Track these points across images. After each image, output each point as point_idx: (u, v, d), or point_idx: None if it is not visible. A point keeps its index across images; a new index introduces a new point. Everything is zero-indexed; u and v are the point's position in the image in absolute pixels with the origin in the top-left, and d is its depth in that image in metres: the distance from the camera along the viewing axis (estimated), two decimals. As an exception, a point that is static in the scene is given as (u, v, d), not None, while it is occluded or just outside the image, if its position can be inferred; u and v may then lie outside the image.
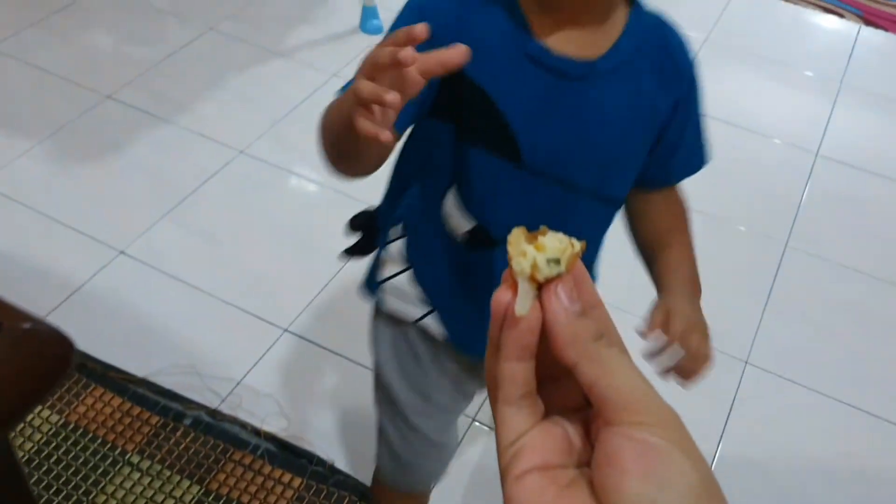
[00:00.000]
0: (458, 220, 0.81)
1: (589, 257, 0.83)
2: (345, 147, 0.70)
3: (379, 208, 0.93)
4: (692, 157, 0.84)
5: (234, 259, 1.62)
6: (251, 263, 1.62)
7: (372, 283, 0.91)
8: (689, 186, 0.89)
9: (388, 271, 0.88)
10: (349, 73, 2.06)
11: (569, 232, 0.77)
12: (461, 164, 0.77)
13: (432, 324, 0.88)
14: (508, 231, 0.73)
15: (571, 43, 0.72)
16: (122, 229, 1.64)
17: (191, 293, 1.55)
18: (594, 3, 0.72)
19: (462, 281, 0.85)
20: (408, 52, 0.55)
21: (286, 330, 1.51)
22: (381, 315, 0.94)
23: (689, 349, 0.79)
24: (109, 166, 1.78)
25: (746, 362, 1.55)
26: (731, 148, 2.03)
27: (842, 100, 2.22)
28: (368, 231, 0.95)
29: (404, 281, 0.88)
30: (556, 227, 0.71)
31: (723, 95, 2.19)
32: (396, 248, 0.88)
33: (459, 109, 0.75)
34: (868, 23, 2.54)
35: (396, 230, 0.87)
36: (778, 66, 2.32)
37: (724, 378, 1.51)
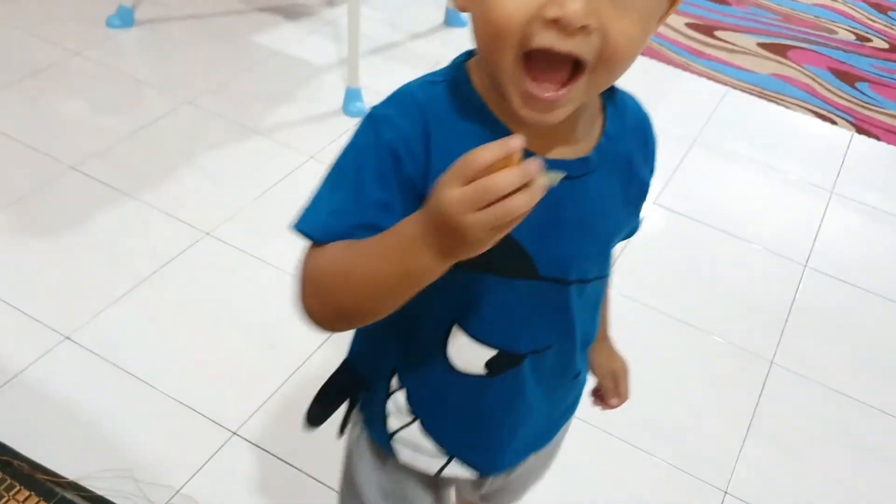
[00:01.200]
0: (472, 354, 0.74)
1: (591, 329, 0.84)
2: (386, 294, 0.63)
3: (356, 358, 0.83)
4: (637, 219, 0.83)
5: (186, 351, 1.52)
6: (204, 357, 1.52)
7: (380, 435, 0.82)
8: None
9: (394, 424, 0.81)
10: (327, 155, 2.01)
11: (585, 317, 0.79)
12: (470, 296, 0.72)
13: (454, 469, 0.82)
14: (534, 343, 0.75)
15: (561, 145, 0.69)
16: (70, 313, 1.54)
17: (136, 386, 1.45)
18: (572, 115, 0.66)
19: (483, 412, 0.79)
20: (534, 166, 0.53)
21: (235, 433, 1.40)
22: (366, 445, 0.85)
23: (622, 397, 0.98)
24: (65, 243, 1.69)
25: (726, 492, 1.45)
26: (716, 254, 1.96)
27: (832, 209, 2.16)
28: (347, 387, 0.84)
29: (415, 432, 0.80)
30: (573, 320, 0.76)
31: (710, 198, 2.14)
32: (397, 399, 0.80)
33: None
34: (860, 130, 2.51)
35: (393, 383, 0.79)
36: (768, 171, 2.27)
37: (703, 509, 1.41)
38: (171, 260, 1.68)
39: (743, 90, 2.61)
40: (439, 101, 0.68)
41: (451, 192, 0.54)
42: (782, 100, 2.60)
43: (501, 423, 0.80)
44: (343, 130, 2.13)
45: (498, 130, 0.66)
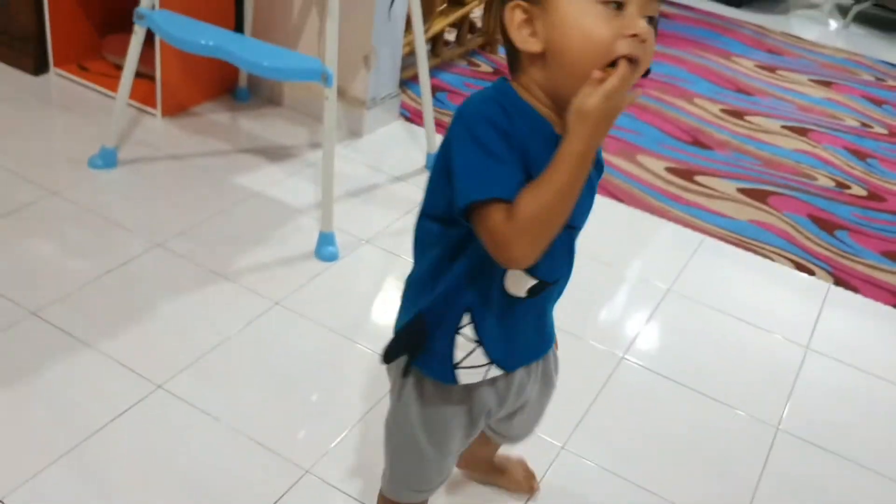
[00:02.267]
0: (521, 282, 1.04)
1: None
2: (577, 196, 0.91)
3: (428, 312, 1.08)
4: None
5: (123, 516, 1.46)
6: (141, 523, 1.46)
7: (442, 368, 1.09)
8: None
9: (459, 354, 1.08)
10: (294, 302, 2.00)
11: (569, 256, 1.11)
12: None
13: (493, 371, 1.12)
14: (558, 273, 1.09)
15: None
16: (6, 473, 1.49)
17: (65, 556, 1.38)
18: None
19: (518, 325, 1.10)
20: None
21: None
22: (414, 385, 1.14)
23: None
24: (11, 395, 1.66)
25: None
26: (692, 418, 1.91)
27: (807, 367, 2.12)
28: (415, 331, 1.09)
29: (477, 355, 1.08)
30: (572, 259, 1.10)
31: (681, 353, 2.10)
32: (466, 332, 1.07)
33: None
34: (838, 282, 2.48)
35: (464, 320, 1.06)
36: (742, 324, 2.24)
37: None
38: (120, 415, 1.64)
39: (721, 237, 2.61)
40: (507, 104, 0.95)
41: (593, 97, 0.88)
42: (760, 247, 2.59)
43: (526, 332, 1.12)
44: (312, 275, 2.12)
45: (546, 127, 0.96)
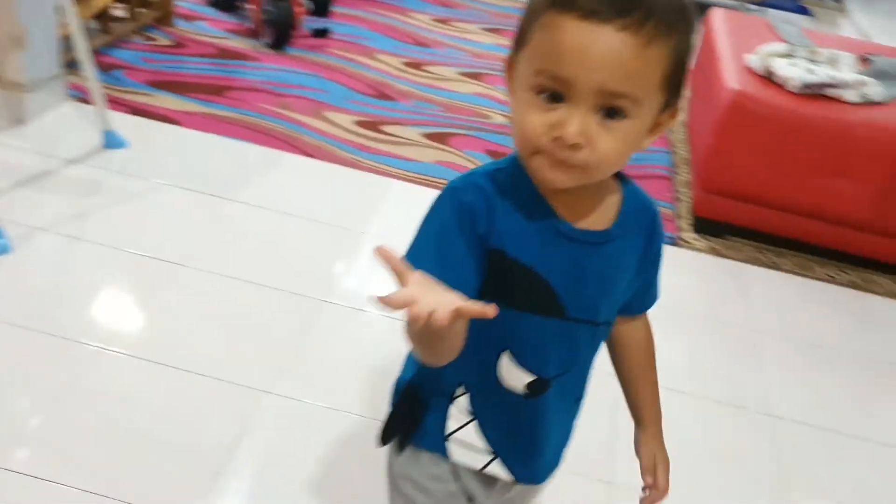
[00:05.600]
0: (516, 377, 0.97)
1: (591, 363, 1.04)
2: (436, 344, 0.84)
3: (417, 384, 1.05)
4: (655, 291, 1.10)
5: None
6: None
7: (435, 439, 1.03)
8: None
9: (452, 425, 1.02)
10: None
11: (592, 353, 1.02)
12: (515, 330, 0.94)
13: (495, 468, 1.04)
14: (559, 368, 0.98)
15: (588, 218, 0.93)
16: None
17: None
18: (592, 186, 0.90)
19: (521, 425, 1.02)
20: (443, 316, 0.71)
21: None
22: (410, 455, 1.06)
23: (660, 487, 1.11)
24: None
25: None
26: (389, 340, 2.02)
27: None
28: (409, 409, 1.06)
29: (469, 431, 1.02)
30: (584, 355, 1.01)
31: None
32: (460, 402, 1.02)
33: (509, 286, 0.91)
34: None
35: (459, 390, 1.01)
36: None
37: None
38: None
39: (408, 179, 2.76)
40: (504, 182, 0.90)
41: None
42: (444, 184, 2.76)
43: (535, 437, 1.03)
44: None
45: (544, 208, 0.91)
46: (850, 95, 2.65)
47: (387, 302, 0.70)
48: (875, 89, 2.68)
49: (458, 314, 0.71)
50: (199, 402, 1.75)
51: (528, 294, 0.92)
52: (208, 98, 3.03)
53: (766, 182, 2.67)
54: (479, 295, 0.88)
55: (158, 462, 1.61)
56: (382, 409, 1.76)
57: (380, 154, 2.89)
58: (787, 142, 2.62)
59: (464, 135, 3.14)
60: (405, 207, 2.59)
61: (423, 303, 0.70)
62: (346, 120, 3.09)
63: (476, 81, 3.65)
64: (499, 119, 3.32)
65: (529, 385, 0.97)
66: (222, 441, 1.66)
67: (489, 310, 0.72)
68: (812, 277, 2.72)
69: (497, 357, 0.96)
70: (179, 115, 2.88)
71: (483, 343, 0.93)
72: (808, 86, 2.62)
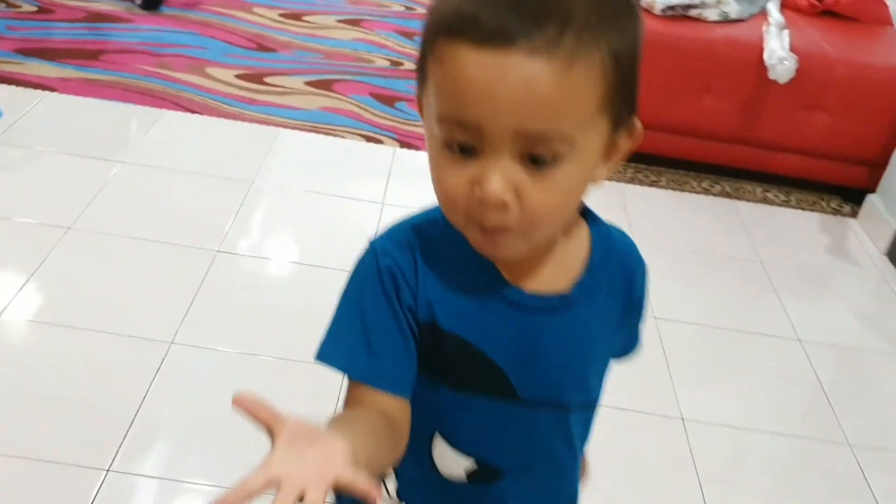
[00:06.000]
0: (453, 462, 0.80)
1: (574, 456, 0.86)
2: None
3: None
4: (635, 340, 0.90)
5: None
6: None
7: None
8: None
9: None
10: None
11: (567, 443, 0.80)
12: (451, 411, 0.78)
13: None
14: (513, 460, 0.77)
15: (541, 278, 0.75)
16: None
17: None
18: (543, 244, 0.73)
19: None
20: (317, 499, 0.53)
21: None
22: None
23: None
24: None
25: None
26: (299, 286, 2.06)
27: (384, 218, 2.38)
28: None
29: None
30: (552, 445, 0.79)
31: (275, 235, 2.24)
32: (388, 485, 0.86)
33: (444, 362, 0.75)
34: (403, 145, 2.78)
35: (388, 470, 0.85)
36: (327, 197, 2.44)
37: None
38: None
39: (295, 128, 2.78)
40: (433, 237, 0.75)
41: None
42: (332, 130, 2.81)
43: None
44: None
45: (485, 268, 0.74)
46: (710, 14, 2.80)
47: (243, 489, 0.54)
48: (733, 7, 2.83)
49: (338, 490, 0.55)
50: (103, 359, 1.77)
51: (469, 373, 0.76)
52: (84, 63, 2.96)
53: (640, 104, 2.80)
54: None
55: (65, 420, 1.62)
56: (292, 349, 1.83)
57: (264, 105, 2.90)
58: (656, 63, 2.74)
59: (347, 80, 3.17)
60: (293, 155, 2.63)
61: (289, 484, 0.53)
62: (227, 75, 3.07)
63: (355, 27, 3.66)
64: (381, 63, 3.36)
65: (471, 474, 0.80)
66: (132, 394, 1.69)
67: (372, 494, 0.55)
68: (689, 191, 2.89)
69: (430, 438, 0.80)
70: (55, 82, 2.81)
71: (413, 419, 0.76)
72: (670, 7, 2.75)
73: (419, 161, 2.73)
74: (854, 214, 2.88)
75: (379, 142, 2.78)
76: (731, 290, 2.41)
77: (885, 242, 2.67)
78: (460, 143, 0.64)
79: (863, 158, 2.86)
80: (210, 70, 3.09)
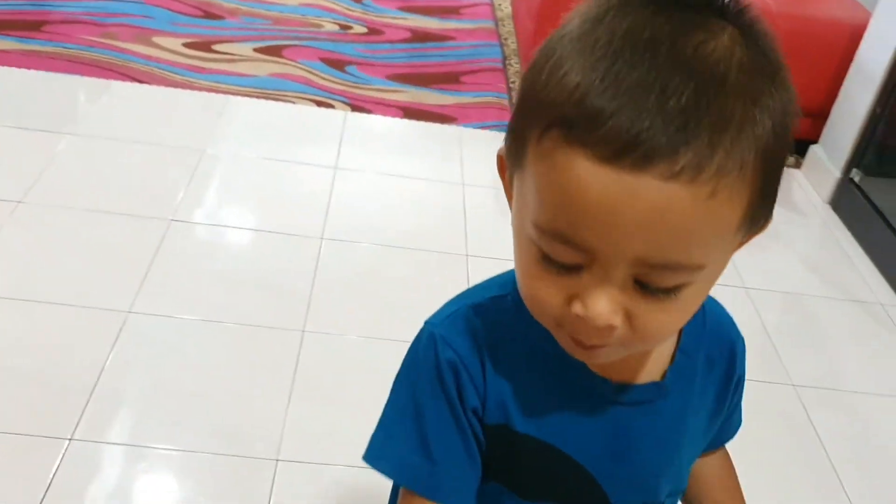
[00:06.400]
0: None
1: None
2: None
3: None
4: (738, 419, 0.80)
5: None
6: None
7: None
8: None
9: None
10: None
11: None
12: None
13: None
14: None
15: (634, 367, 0.65)
16: None
17: None
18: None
19: None
20: None
21: None
22: None
23: None
24: None
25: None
26: (240, 249, 2.08)
27: (338, 183, 2.39)
28: None
29: None
30: None
31: (230, 204, 2.25)
32: None
33: (519, 469, 0.65)
34: (355, 108, 2.79)
35: None
36: (278, 163, 2.44)
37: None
38: None
39: (245, 94, 2.77)
40: (503, 319, 0.64)
41: None
42: (282, 95, 2.80)
43: None
44: None
45: (566, 357, 0.60)
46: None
47: None
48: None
49: None
50: (60, 331, 1.77)
51: (551, 480, 0.66)
52: (24, 34, 2.91)
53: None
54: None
55: (25, 392, 1.62)
56: (251, 315, 1.85)
57: (213, 73, 2.87)
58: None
59: (296, 45, 3.15)
60: (245, 122, 2.63)
61: None
62: (174, 43, 3.04)
63: (303, -8, 3.63)
64: (330, 27, 3.34)
65: None
66: (92, 364, 1.69)
67: None
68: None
69: None
70: (-4, 55, 2.76)
71: None
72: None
73: (371, 124, 2.74)
74: (798, 165, 2.95)
75: (330, 106, 2.78)
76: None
77: (827, 191, 2.75)
78: (563, 263, 0.53)
79: (806, 110, 2.90)
80: (157, 39, 3.05)
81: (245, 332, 1.84)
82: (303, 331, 1.86)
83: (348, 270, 2.07)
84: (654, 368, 0.66)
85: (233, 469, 1.55)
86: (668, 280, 0.52)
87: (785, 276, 2.38)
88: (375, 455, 0.65)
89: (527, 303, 0.58)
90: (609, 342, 0.55)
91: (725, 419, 0.77)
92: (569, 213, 0.50)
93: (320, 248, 2.12)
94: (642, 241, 0.49)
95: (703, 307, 0.67)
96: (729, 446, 0.84)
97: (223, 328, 1.84)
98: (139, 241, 2.04)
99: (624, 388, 0.65)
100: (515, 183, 0.56)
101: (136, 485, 1.50)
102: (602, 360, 0.60)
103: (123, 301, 1.85)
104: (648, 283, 0.52)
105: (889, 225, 2.47)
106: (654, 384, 0.66)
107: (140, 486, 1.50)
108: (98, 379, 1.67)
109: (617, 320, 0.53)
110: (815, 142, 2.90)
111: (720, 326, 0.72)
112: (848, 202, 2.67)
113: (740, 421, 0.80)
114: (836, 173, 2.73)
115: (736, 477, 0.84)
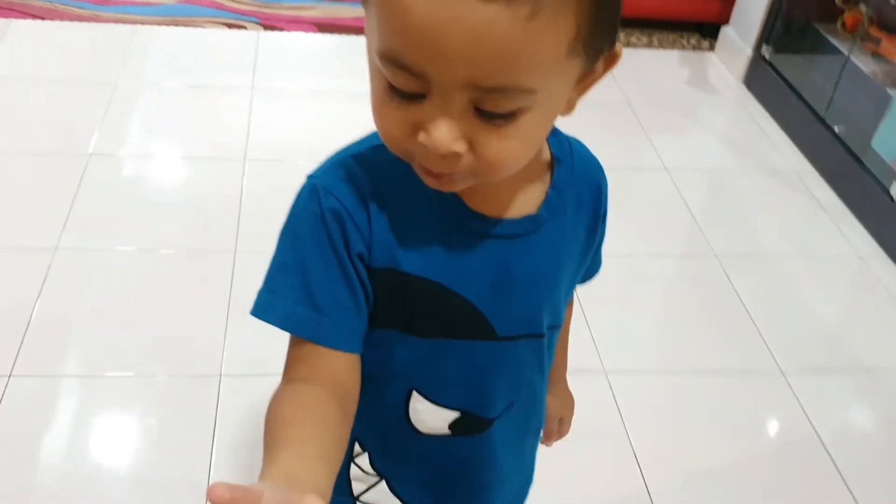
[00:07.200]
0: (433, 418, 0.73)
1: (545, 382, 0.81)
2: None
3: None
4: (598, 261, 0.83)
5: None
6: None
7: (344, 500, 0.80)
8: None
9: (359, 487, 0.79)
10: None
11: (541, 371, 0.76)
12: (426, 363, 0.70)
13: None
14: (499, 403, 0.71)
15: (508, 203, 0.67)
16: None
17: None
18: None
19: (451, 470, 0.78)
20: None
21: None
22: None
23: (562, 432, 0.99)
24: None
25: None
26: (169, 179, 2.07)
27: (257, 104, 2.37)
28: None
29: (382, 490, 0.79)
30: (533, 377, 0.75)
31: (150, 132, 2.22)
32: (361, 462, 0.79)
33: (410, 311, 0.67)
34: (267, 28, 2.75)
35: (356, 448, 0.78)
36: (195, 89, 2.41)
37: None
38: None
39: (154, 24, 2.70)
40: (384, 166, 0.64)
41: None
42: (193, 21, 2.74)
43: (472, 483, 0.79)
44: None
45: (445, 197, 0.64)
46: None
47: None
48: None
49: None
50: (-12, 273, 1.76)
51: (441, 318, 0.68)
52: (-87, -20, 2.78)
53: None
54: (371, 322, 0.67)
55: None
56: (183, 240, 1.85)
57: (119, 5, 2.80)
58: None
59: (202, -30, 3.07)
60: (155, 52, 2.58)
61: None
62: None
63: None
64: (235, -52, 3.26)
65: (453, 425, 0.74)
66: (23, 302, 1.69)
67: None
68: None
69: (405, 398, 0.72)
70: None
71: (384, 381, 0.71)
72: None
73: (284, 42, 2.71)
74: (712, 48, 3.00)
75: (242, 28, 2.74)
76: (601, 132, 2.49)
77: (740, 70, 2.81)
78: (405, 92, 0.55)
79: (715, -7, 2.97)
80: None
81: (178, 257, 1.85)
82: (234, 251, 1.87)
83: (274, 189, 2.07)
84: (529, 203, 0.69)
85: (178, 389, 1.58)
86: (503, 105, 0.54)
87: (704, 155, 2.45)
88: (263, 308, 0.65)
89: (381, 137, 0.60)
90: (456, 170, 0.57)
91: (592, 256, 0.80)
92: (400, 38, 0.52)
93: (244, 169, 2.12)
94: (468, 63, 0.51)
95: (571, 150, 0.73)
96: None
97: (155, 255, 1.84)
98: (59, 179, 2.02)
99: (500, 222, 0.67)
100: (366, 18, 0.57)
101: (83, 414, 1.53)
102: (455, 189, 0.62)
103: (49, 238, 1.84)
104: (486, 109, 0.54)
105: (800, 97, 2.54)
106: (528, 217, 0.68)
107: (87, 414, 1.53)
108: (31, 315, 1.67)
109: (460, 147, 0.55)
110: (726, 23, 2.95)
111: (587, 166, 0.75)
112: (760, 79, 2.74)
113: (600, 262, 0.83)
114: (747, 51, 2.78)
115: (571, 307, 0.88)
